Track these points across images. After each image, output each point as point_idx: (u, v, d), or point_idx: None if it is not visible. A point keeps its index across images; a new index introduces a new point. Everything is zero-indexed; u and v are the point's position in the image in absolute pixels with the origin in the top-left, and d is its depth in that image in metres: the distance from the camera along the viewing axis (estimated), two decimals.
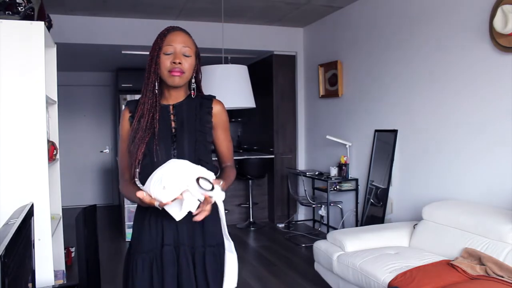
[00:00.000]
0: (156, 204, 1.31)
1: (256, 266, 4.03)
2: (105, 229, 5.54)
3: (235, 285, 1.46)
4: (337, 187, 4.52)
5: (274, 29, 5.52)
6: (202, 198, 1.31)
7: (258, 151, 6.26)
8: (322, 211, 5.05)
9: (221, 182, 1.35)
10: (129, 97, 6.67)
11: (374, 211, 4.15)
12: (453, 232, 2.76)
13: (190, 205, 1.30)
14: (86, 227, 2.34)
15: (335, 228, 4.40)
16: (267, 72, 5.81)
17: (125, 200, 4.83)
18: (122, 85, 6.76)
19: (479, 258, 2.44)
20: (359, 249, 2.97)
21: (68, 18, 4.66)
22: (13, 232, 1.41)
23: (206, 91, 1.68)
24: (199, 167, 1.35)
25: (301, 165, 5.74)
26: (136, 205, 1.56)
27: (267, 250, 4.52)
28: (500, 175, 2.90)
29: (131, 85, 6.72)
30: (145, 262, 1.50)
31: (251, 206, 5.68)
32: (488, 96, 2.99)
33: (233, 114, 7.00)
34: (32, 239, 1.90)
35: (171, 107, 1.58)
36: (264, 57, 5.93)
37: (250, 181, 5.64)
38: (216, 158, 1.67)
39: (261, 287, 3.47)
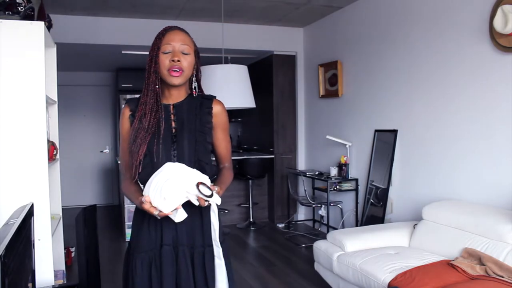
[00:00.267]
0: (155, 213, 1.35)
1: (256, 266, 4.03)
2: (105, 229, 5.54)
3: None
4: (337, 187, 4.52)
5: (274, 29, 5.52)
6: (196, 202, 1.35)
7: (258, 151, 6.26)
8: (322, 211, 5.06)
9: (216, 188, 1.38)
10: (129, 97, 6.65)
11: (374, 211, 4.15)
12: (453, 232, 2.76)
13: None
14: (86, 227, 2.34)
15: (335, 228, 4.39)
16: (267, 72, 5.81)
17: (125, 200, 4.83)
18: (122, 85, 6.77)
19: (479, 258, 2.44)
20: (359, 249, 2.97)
21: (68, 18, 4.65)
22: (13, 232, 1.41)
23: (206, 91, 1.68)
24: (195, 171, 1.37)
25: (301, 165, 5.74)
26: (135, 205, 1.57)
27: (267, 250, 4.52)
28: (500, 175, 2.90)
29: (131, 85, 6.72)
30: (144, 262, 1.50)
31: (251, 206, 5.68)
32: (488, 96, 2.99)
33: (233, 114, 6.99)
34: (32, 239, 1.90)
35: (171, 106, 1.58)
36: (264, 57, 5.93)
37: (250, 181, 5.64)
38: (214, 158, 1.67)
39: (261, 287, 3.47)
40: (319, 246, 3.23)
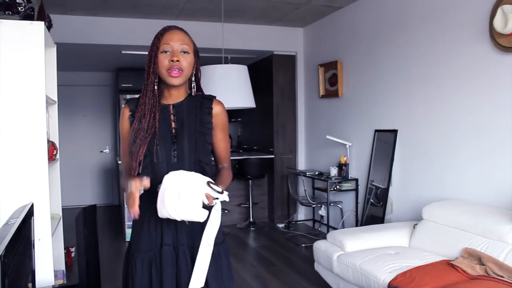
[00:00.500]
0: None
1: (256, 266, 4.03)
2: (105, 229, 5.54)
3: (202, 285, 1.44)
4: (337, 187, 4.51)
5: (274, 29, 5.52)
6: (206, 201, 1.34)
7: (258, 151, 6.26)
8: (322, 211, 5.05)
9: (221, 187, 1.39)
10: (129, 97, 6.66)
11: (374, 211, 4.15)
12: (453, 232, 2.76)
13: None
14: (86, 227, 2.34)
15: (335, 228, 4.39)
16: (267, 72, 5.81)
17: (125, 200, 4.82)
18: (122, 85, 6.76)
19: (479, 258, 2.44)
20: (359, 249, 2.97)
21: (68, 18, 4.66)
22: (13, 232, 1.41)
23: (206, 91, 1.68)
24: (198, 174, 1.37)
25: (301, 165, 5.74)
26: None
27: (267, 250, 4.52)
28: (500, 175, 2.90)
29: (131, 85, 6.72)
30: (144, 262, 1.50)
31: (251, 206, 5.67)
32: (488, 96, 2.99)
33: (233, 114, 6.99)
34: (32, 239, 1.90)
35: (171, 107, 1.57)
36: (264, 57, 5.93)
37: (250, 181, 5.64)
38: (213, 158, 1.67)
39: (261, 287, 3.47)
40: (319, 246, 3.23)
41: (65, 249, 3.23)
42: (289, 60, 5.73)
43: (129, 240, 1.61)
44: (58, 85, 3.06)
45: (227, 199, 1.37)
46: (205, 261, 1.43)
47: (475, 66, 3.08)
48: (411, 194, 3.74)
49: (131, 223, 1.63)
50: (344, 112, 4.78)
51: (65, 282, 3.00)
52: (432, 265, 2.50)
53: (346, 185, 4.52)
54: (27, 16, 2.44)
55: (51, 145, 2.77)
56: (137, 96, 1.59)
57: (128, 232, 4.71)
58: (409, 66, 3.76)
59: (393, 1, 3.96)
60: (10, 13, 2.38)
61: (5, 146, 2.34)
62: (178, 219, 1.33)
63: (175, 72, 1.48)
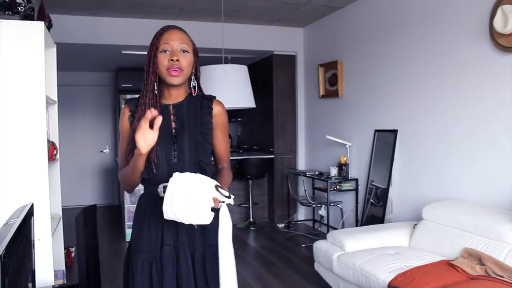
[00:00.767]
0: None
1: (256, 266, 4.03)
2: (105, 229, 5.54)
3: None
4: (337, 187, 4.51)
5: (274, 29, 5.52)
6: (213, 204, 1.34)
7: (258, 151, 6.26)
8: (322, 211, 5.05)
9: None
10: (129, 97, 6.65)
11: (374, 211, 4.15)
12: (453, 232, 2.76)
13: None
14: (86, 227, 2.34)
15: (335, 228, 4.39)
16: (267, 72, 5.81)
17: (125, 200, 4.83)
18: (122, 85, 6.76)
19: (479, 258, 2.44)
20: (359, 249, 2.97)
21: (68, 18, 4.65)
22: (13, 232, 1.40)
23: (206, 91, 1.67)
24: (205, 177, 1.36)
25: (301, 165, 5.74)
26: (135, 205, 1.57)
27: (267, 250, 4.52)
28: (500, 175, 2.90)
29: (131, 85, 6.71)
30: (144, 262, 1.50)
31: (251, 206, 5.68)
32: (488, 96, 2.99)
33: (233, 114, 6.99)
34: (32, 239, 1.89)
35: (171, 107, 1.57)
36: (264, 57, 5.93)
37: (250, 181, 5.64)
38: (212, 158, 1.67)
39: (261, 287, 3.47)
40: (319, 246, 3.23)
41: (65, 249, 3.23)
42: (289, 60, 5.73)
43: (129, 240, 1.61)
44: (58, 85, 3.06)
45: (232, 203, 1.36)
46: (231, 265, 1.43)
47: (475, 66, 3.08)
48: (411, 194, 3.74)
49: (131, 223, 1.62)
50: (344, 112, 4.78)
51: (65, 282, 3.00)
52: (432, 265, 2.50)
53: (346, 185, 4.52)
54: (27, 16, 2.44)
55: (51, 145, 2.77)
56: (137, 96, 1.58)
57: (128, 232, 4.71)
58: (409, 66, 3.76)
59: (393, 1, 3.96)
60: (10, 13, 2.38)
61: (5, 146, 2.34)
62: (186, 222, 1.32)
63: (175, 71, 1.47)
